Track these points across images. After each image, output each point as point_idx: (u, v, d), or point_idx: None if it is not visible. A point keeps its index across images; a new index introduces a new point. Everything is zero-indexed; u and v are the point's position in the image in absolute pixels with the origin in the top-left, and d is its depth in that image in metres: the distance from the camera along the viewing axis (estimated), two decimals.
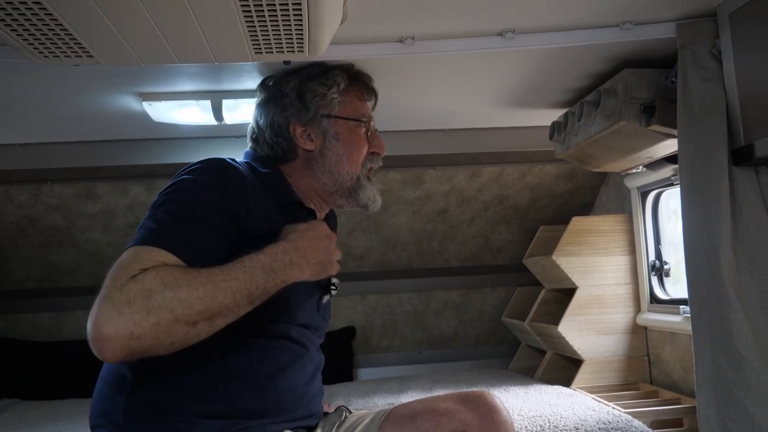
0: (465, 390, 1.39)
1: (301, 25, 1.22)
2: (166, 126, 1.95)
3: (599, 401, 2.05)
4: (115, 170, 2.52)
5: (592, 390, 2.34)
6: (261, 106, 1.49)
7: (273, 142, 1.44)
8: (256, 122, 1.48)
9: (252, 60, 1.36)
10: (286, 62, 1.43)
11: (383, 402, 2.26)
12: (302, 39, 1.29)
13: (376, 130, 1.50)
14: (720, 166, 1.42)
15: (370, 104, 1.56)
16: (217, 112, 1.77)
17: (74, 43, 1.25)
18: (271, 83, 1.50)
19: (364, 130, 1.46)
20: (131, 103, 1.82)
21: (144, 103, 1.77)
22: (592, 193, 2.89)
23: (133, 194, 2.62)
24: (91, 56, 1.32)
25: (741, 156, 1.38)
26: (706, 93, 1.46)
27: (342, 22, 1.35)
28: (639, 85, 1.67)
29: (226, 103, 1.77)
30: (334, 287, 1.47)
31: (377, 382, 2.70)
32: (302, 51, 1.34)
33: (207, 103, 1.75)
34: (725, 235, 1.39)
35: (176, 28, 1.21)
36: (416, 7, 1.37)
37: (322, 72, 1.47)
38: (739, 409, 1.37)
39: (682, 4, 1.44)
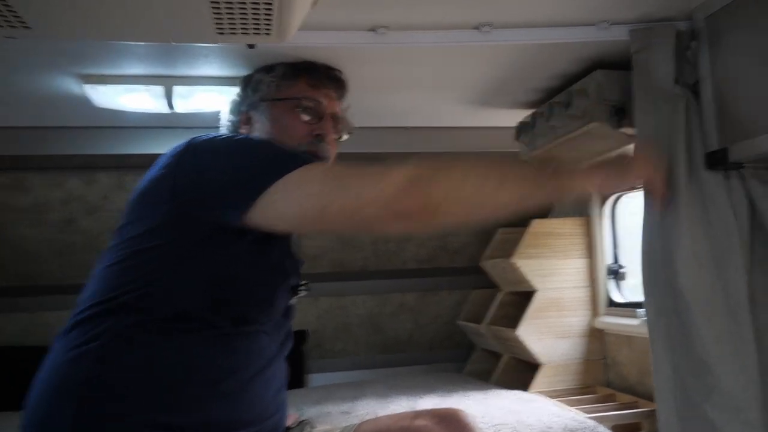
0: (438, 408, 1.34)
1: (271, 4, 1.12)
2: (109, 113, 1.80)
3: (561, 406, 2.02)
4: (49, 160, 2.33)
5: (550, 394, 2.32)
6: None
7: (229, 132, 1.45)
8: None
9: (213, 41, 1.25)
10: (251, 46, 1.33)
11: (338, 410, 2.17)
12: (270, 20, 1.18)
13: (326, 114, 1.39)
14: (677, 171, 1.39)
15: (329, 92, 1.44)
16: (170, 98, 1.65)
17: (7, 11, 1.10)
18: None
19: (301, 110, 1.37)
20: (71, 85, 1.67)
21: (86, 86, 1.62)
22: None
23: (69, 187, 2.44)
24: (28, 27, 1.16)
25: (715, 159, 1.36)
26: (667, 96, 1.43)
27: (314, 5, 1.25)
28: (610, 87, 1.64)
29: (178, 90, 1.64)
30: (305, 288, 1.39)
31: (330, 388, 2.61)
32: (269, 34, 1.23)
33: (158, 89, 1.62)
34: (681, 241, 1.36)
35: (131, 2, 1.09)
36: None
37: (270, 65, 1.47)
38: (700, 415, 1.34)
39: (656, 6, 1.41)
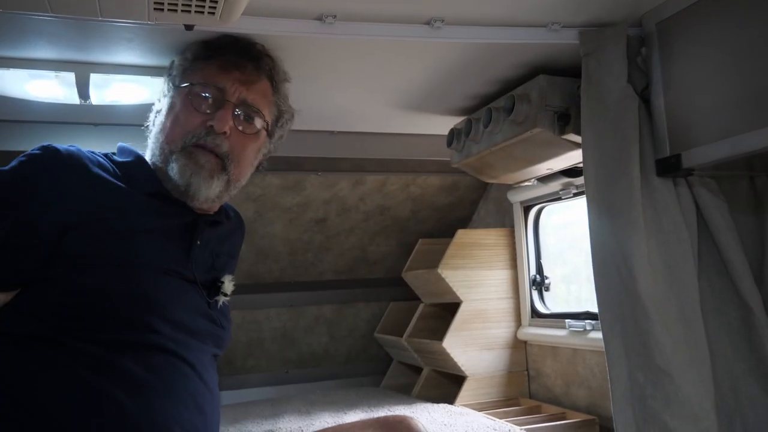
0: (383, 415, 1.27)
1: None
2: (9, 102, 1.59)
3: (493, 419, 1.97)
4: None
5: (475, 407, 2.28)
6: None
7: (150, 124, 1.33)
8: None
9: (148, 19, 1.10)
10: (188, 27, 1.19)
11: (259, 429, 2.02)
12: None
13: (228, 102, 1.22)
14: (629, 177, 1.38)
15: (243, 76, 1.26)
16: (83, 88, 1.46)
17: None
18: None
19: (197, 98, 1.22)
20: None
21: None
22: (471, 207, 2.87)
23: None
24: None
25: (668, 166, 1.36)
26: (617, 102, 1.43)
27: None
28: (553, 93, 1.62)
29: (95, 79, 1.46)
30: (222, 282, 1.26)
31: (245, 405, 2.44)
32: (213, 14, 1.11)
33: (70, 76, 1.43)
34: (638, 247, 1.36)
35: None
36: None
37: (188, 45, 1.33)
38: (659, 424, 1.33)
39: (605, 11, 1.40)
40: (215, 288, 1.25)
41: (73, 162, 1.12)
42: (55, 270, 1.04)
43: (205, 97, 1.22)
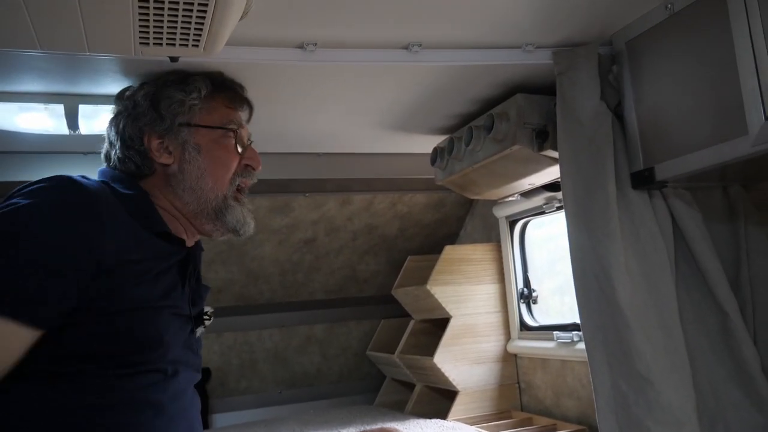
0: (370, 428, 1.30)
1: (205, 12, 1.04)
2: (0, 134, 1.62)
3: None
4: None
5: (468, 421, 2.30)
6: (113, 119, 1.30)
7: (125, 156, 1.24)
8: (107, 137, 1.29)
9: (134, 53, 1.14)
10: (173, 59, 1.23)
11: None
12: (201, 31, 1.10)
13: (250, 141, 1.33)
14: (605, 191, 1.43)
15: (242, 114, 1.37)
16: (72, 119, 1.49)
17: None
18: (125, 94, 1.32)
19: (232, 140, 1.27)
20: None
21: None
22: (458, 224, 2.91)
23: None
24: None
25: (642, 179, 1.41)
26: (591, 118, 1.48)
27: (242, 17, 1.18)
28: (531, 111, 1.67)
29: (83, 110, 1.49)
30: (207, 317, 1.30)
31: (239, 428, 2.46)
32: (197, 46, 1.15)
33: (59, 108, 1.46)
34: (616, 258, 1.40)
35: (47, 4, 0.98)
36: (322, 10, 1.25)
37: (182, 78, 1.30)
38: (642, 431, 1.36)
39: (576, 31, 1.46)
40: (200, 319, 1.27)
41: (99, 197, 1.05)
42: (82, 316, 1.00)
43: (236, 137, 1.28)
